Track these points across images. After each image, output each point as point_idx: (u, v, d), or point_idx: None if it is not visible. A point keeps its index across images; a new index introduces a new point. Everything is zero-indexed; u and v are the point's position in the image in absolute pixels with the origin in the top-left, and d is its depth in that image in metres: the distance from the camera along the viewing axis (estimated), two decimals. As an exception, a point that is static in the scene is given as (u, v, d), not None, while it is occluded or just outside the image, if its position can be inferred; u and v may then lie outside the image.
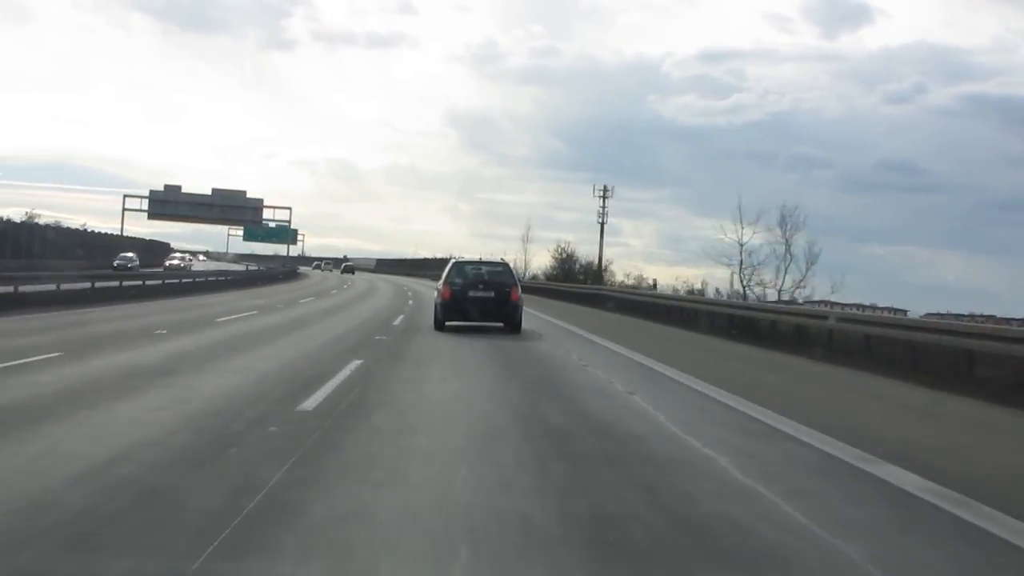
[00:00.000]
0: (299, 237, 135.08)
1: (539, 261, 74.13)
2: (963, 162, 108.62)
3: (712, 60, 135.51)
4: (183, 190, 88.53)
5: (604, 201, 72.95)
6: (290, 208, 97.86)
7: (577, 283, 54.49)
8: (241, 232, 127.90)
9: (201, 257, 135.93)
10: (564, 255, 69.17)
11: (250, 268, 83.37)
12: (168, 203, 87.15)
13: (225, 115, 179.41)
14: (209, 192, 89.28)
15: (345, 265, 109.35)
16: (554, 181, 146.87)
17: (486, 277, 20.81)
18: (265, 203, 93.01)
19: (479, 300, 20.10)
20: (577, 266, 66.94)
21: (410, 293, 40.52)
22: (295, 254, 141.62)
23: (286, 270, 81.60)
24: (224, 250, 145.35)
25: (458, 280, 20.53)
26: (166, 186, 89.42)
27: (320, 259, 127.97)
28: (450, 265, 21.13)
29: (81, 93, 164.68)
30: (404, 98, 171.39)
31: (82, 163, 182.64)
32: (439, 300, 20.39)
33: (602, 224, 69.38)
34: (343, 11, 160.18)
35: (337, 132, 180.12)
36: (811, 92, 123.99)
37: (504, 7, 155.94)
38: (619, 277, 62.61)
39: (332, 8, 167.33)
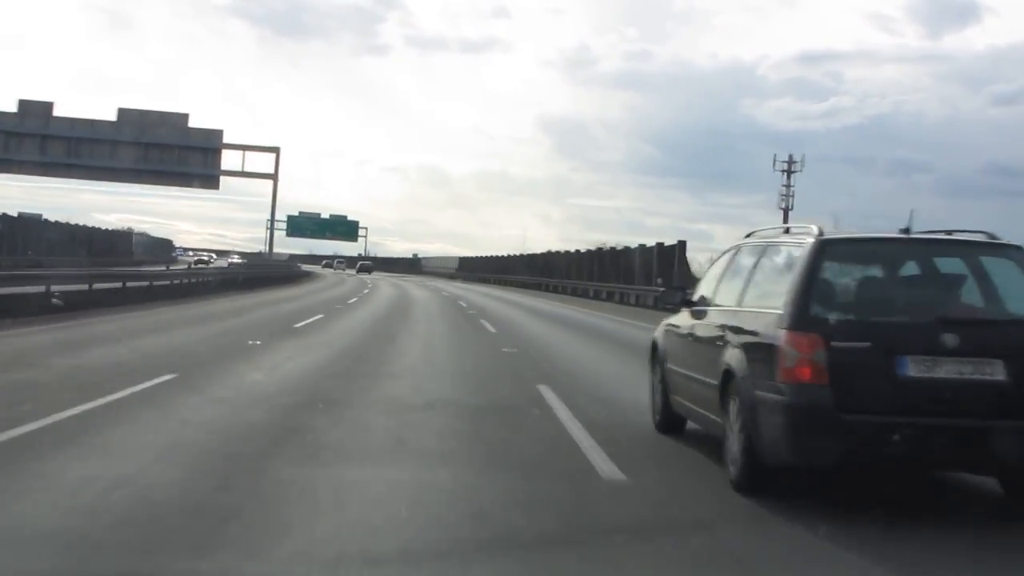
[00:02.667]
0: (360, 231, 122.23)
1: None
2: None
3: (809, 62, 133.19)
4: (57, 113, 45.05)
5: (789, 176, 57.40)
6: (277, 150, 54.99)
7: None
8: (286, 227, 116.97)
9: (235, 258, 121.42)
10: None
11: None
12: (25, 139, 44.26)
13: (319, 121, 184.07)
14: (113, 117, 46.07)
15: (361, 264, 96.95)
16: (644, 187, 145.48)
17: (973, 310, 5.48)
18: (229, 140, 51.95)
19: (966, 394, 4.72)
20: None
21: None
22: (354, 253, 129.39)
23: (252, 273, 43.74)
24: (284, 250, 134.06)
25: (857, 315, 5.19)
26: (23, 103, 44.92)
27: (332, 257, 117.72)
28: (806, 258, 5.31)
29: (179, 99, 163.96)
30: (496, 104, 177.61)
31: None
32: (786, 395, 5.00)
33: (786, 209, 54.61)
34: (437, 15, 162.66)
35: (428, 138, 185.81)
36: (913, 94, 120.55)
37: (597, 10, 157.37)
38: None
39: (426, 13, 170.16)
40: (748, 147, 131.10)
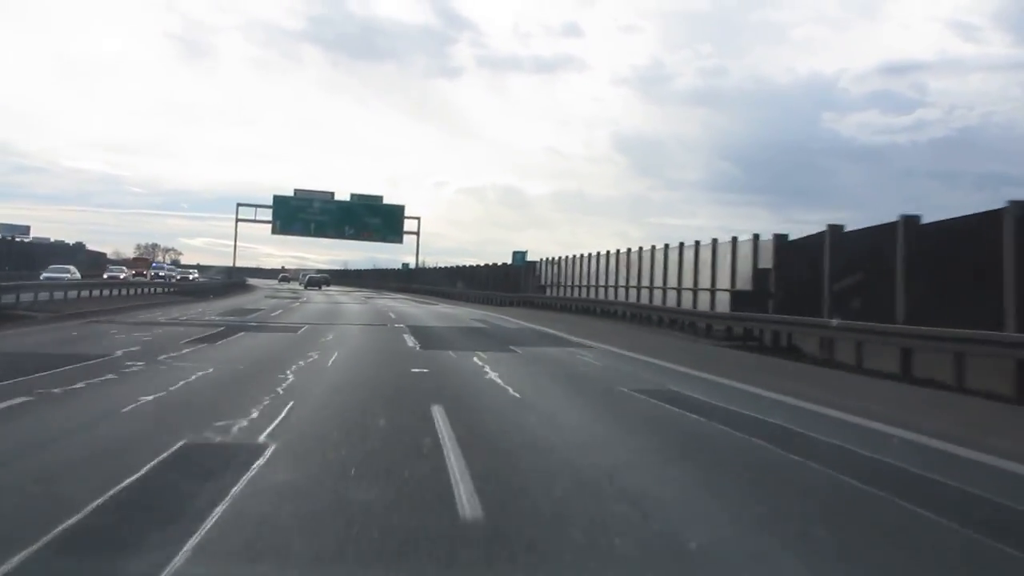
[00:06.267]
0: (409, 226, 67.91)
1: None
2: None
3: (892, 74, 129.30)
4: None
5: None
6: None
7: None
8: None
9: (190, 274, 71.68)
10: None
11: None
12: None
13: (395, 144, 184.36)
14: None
15: (310, 277, 75.81)
16: (724, 205, 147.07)
17: None
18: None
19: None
20: None
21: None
22: (394, 266, 76.43)
23: None
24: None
25: None
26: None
27: (289, 271, 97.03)
28: None
29: (256, 125, 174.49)
30: (570, 123, 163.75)
31: (264, 194, 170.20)
32: None
33: None
34: (508, 35, 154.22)
35: (504, 159, 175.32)
36: (1002, 105, 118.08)
37: (670, 26, 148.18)
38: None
39: (497, 32, 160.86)
40: (830, 163, 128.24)
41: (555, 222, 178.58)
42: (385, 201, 65.87)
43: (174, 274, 55.19)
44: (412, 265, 70.34)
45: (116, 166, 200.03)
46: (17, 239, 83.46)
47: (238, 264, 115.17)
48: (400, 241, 66.59)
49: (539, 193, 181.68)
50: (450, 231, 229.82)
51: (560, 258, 35.33)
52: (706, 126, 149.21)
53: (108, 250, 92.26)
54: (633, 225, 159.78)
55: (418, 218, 68.13)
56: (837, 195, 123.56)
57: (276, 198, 63.96)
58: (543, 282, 36.74)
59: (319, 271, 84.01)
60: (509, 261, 43.20)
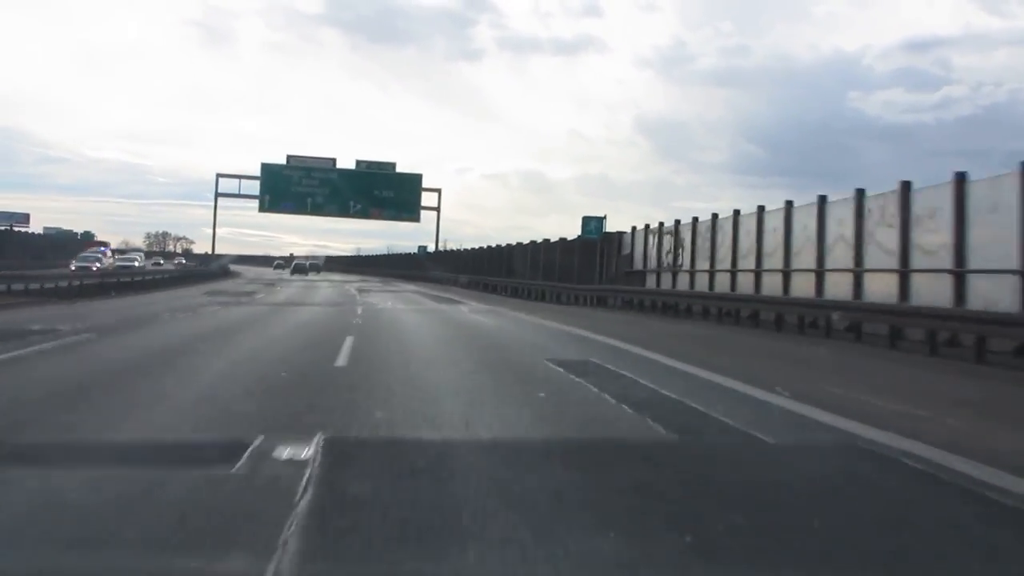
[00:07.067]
0: (427, 200, 56.16)
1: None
2: None
3: (917, 50, 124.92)
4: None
5: None
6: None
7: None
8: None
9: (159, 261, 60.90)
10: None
11: None
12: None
13: (417, 129, 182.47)
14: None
15: (296, 264, 69.42)
16: (748, 187, 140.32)
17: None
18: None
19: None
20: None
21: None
22: (412, 245, 65.49)
23: None
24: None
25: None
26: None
27: (285, 259, 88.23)
28: None
29: (276, 111, 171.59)
30: (592, 106, 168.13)
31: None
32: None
33: None
34: (529, 16, 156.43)
35: (526, 143, 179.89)
36: None
37: (690, 4, 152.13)
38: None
39: (517, 14, 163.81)
40: (855, 142, 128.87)
41: (579, 207, 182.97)
42: (402, 169, 53.95)
43: (112, 261, 43.94)
44: (431, 249, 57.98)
45: (139, 155, 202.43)
46: (16, 228, 75.64)
47: (257, 253, 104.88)
48: (417, 218, 54.67)
49: (562, 177, 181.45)
50: (473, 218, 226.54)
51: (679, 223, 22.36)
52: (729, 107, 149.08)
53: (117, 240, 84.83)
54: (657, 209, 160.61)
55: (438, 190, 56.04)
56: (863, 176, 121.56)
57: (264, 167, 52.07)
58: (637, 265, 24.33)
59: (310, 257, 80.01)
60: (568, 237, 30.54)
